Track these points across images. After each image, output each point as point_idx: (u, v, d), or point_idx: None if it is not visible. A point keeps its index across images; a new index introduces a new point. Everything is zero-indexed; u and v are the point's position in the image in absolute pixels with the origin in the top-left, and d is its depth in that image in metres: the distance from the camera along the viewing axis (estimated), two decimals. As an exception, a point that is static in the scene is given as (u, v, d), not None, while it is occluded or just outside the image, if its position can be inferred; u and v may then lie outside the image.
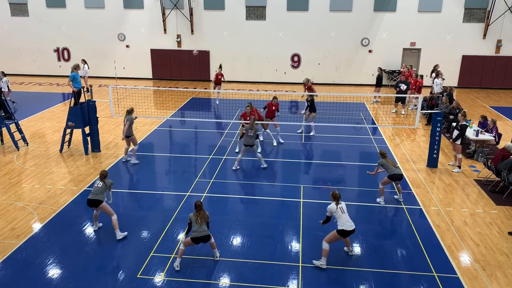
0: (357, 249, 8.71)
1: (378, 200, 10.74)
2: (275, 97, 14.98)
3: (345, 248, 8.52)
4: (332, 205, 8.01)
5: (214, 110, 20.06)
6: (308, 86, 17.65)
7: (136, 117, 13.05)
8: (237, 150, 13.80)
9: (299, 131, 16.33)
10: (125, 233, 9.02)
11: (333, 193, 8.11)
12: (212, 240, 8.07)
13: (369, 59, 25.60)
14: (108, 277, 7.71)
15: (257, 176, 12.41)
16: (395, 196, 10.94)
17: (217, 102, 20.70)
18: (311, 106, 15.59)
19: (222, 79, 20.66)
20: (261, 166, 12.73)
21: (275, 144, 14.79)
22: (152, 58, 26.98)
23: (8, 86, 19.73)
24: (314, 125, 15.91)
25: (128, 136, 12.78)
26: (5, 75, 20.04)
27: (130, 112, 12.77)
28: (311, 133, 15.88)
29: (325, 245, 8.00)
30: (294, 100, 22.43)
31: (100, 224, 9.40)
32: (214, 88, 20.86)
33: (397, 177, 10.39)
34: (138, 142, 13.60)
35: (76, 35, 26.92)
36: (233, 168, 12.61)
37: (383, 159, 10.48)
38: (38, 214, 9.93)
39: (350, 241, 8.59)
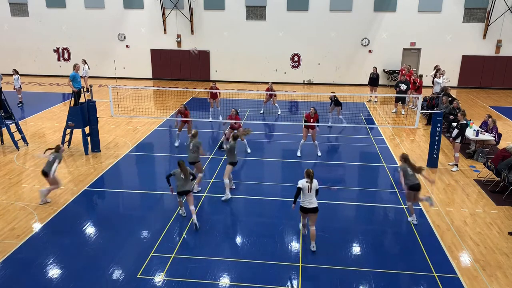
0: (357, 249, 8.71)
1: (409, 219, 9.75)
2: (313, 108, 13.71)
3: (300, 226, 9.16)
4: (303, 180, 8.36)
5: (214, 110, 20.01)
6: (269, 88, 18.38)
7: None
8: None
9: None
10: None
11: (307, 170, 8.47)
12: (191, 196, 9.32)
13: (369, 59, 25.59)
14: (108, 277, 7.71)
15: (257, 176, 12.41)
16: (409, 219, 9.79)
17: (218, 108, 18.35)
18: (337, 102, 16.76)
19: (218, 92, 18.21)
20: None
21: (249, 151, 13.94)
22: (152, 58, 26.99)
23: (19, 84, 20.01)
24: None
25: None
26: (17, 72, 20.14)
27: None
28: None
29: (301, 226, 9.06)
30: (294, 100, 22.43)
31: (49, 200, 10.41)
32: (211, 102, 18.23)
33: (415, 188, 9.27)
34: (137, 143, 13.54)
35: (76, 35, 26.92)
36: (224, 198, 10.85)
37: (405, 163, 9.28)
38: (38, 214, 9.93)
39: (352, 241, 8.57)
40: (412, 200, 9.50)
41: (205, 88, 24.80)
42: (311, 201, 8.32)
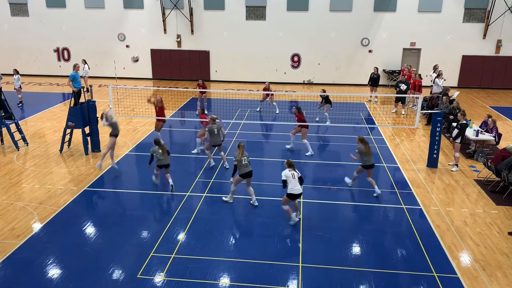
0: (357, 249, 8.71)
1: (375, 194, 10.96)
2: (297, 108, 14.07)
3: (294, 214, 9.43)
4: (286, 171, 9.13)
5: (214, 110, 20.03)
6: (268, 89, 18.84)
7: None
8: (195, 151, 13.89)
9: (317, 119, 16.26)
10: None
11: (288, 161, 9.32)
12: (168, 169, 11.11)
13: (369, 59, 25.60)
14: (108, 277, 7.70)
15: (257, 176, 12.40)
16: (374, 194, 10.96)
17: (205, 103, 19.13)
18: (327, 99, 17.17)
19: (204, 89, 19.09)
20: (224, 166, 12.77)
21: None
22: (152, 58, 26.99)
23: (19, 84, 20.03)
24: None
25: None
26: (17, 72, 20.14)
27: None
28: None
29: (285, 207, 9.41)
30: (294, 100, 22.42)
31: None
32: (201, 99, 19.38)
33: (370, 167, 10.92)
34: (137, 143, 13.52)
35: (76, 35, 26.92)
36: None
37: (361, 144, 10.82)
38: (38, 214, 9.93)
39: (352, 241, 8.56)
40: (368, 177, 11.04)
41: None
42: (298, 188, 9.13)
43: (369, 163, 10.79)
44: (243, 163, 10.01)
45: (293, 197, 9.21)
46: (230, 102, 20.27)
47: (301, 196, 9.64)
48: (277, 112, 19.16)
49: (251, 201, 10.44)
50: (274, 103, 19.31)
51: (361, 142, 10.84)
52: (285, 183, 9.11)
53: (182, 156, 13.85)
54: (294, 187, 9.09)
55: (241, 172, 10.06)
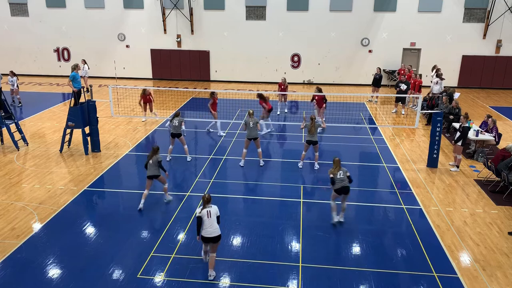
0: (357, 249, 8.71)
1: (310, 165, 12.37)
2: (318, 89, 16.46)
3: (203, 257, 8.13)
4: (200, 208, 7.59)
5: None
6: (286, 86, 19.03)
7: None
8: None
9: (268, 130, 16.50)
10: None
11: (204, 196, 7.62)
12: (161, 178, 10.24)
13: (369, 59, 25.59)
14: (108, 277, 7.71)
15: (257, 176, 12.42)
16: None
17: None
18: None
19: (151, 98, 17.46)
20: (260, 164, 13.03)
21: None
22: (152, 58, 26.98)
23: (17, 85, 20.02)
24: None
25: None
26: (14, 74, 20.10)
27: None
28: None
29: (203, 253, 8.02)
30: (294, 100, 22.42)
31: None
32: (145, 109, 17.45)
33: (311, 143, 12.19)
34: (137, 143, 13.54)
35: (76, 35, 26.91)
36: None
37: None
38: (38, 214, 9.93)
39: (352, 241, 8.57)
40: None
41: (205, 88, 24.87)
42: (213, 230, 7.46)
43: (309, 139, 12.21)
44: (338, 177, 9.22)
45: (204, 240, 7.54)
46: (230, 102, 20.27)
47: (302, 201, 9.42)
48: (278, 113, 19.06)
49: (338, 217, 9.62)
50: (286, 103, 19.59)
51: (311, 120, 12.20)
52: (199, 222, 7.47)
53: (183, 156, 13.84)
54: (208, 228, 7.43)
55: (336, 187, 9.27)
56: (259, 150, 12.92)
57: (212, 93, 15.77)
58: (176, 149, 14.74)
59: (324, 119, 16.05)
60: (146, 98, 16.98)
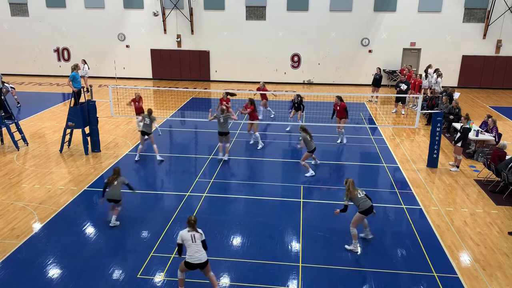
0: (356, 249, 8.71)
1: (307, 175, 12.06)
2: (339, 97, 14.94)
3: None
4: (183, 231, 6.92)
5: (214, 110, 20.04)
6: (263, 89, 17.52)
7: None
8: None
9: (287, 129, 16.50)
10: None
11: (189, 219, 6.92)
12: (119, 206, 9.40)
13: (369, 59, 25.59)
14: (108, 277, 7.71)
15: (257, 176, 12.42)
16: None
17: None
18: (300, 105, 16.04)
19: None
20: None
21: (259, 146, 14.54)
22: (152, 58, 26.98)
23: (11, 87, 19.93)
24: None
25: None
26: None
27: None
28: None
29: (179, 275, 7.16)
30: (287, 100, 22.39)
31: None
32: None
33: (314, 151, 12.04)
34: (138, 143, 13.56)
35: (76, 35, 26.91)
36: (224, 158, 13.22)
37: (304, 133, 11.71)
38: (38, 214, 9.93)
39: (352, 240, 8.56)
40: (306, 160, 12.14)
41: (205, 88, 24.88)
42: (199, 256, 6.85)
43: (313, 148, 12.02)
44: (359, 196, 8.49)
45: (190, 266, 6.91)
46: (230, 102, 20.25)
47: (302, 201, 9.30)
48: (272, 116, 18.44)
49: (364, 235, 9.11)
50: (269, 109, 18.26)
51: (303, 131, 11.86)
52: (180, 248, 6.96)
53: (183, 156, 13.85)
54: (195, 253, 6.83)
55: (361, 209, 8.44)
56: (227, 145, 13.41)
57: (251, 101, 14.47)
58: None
59: (343, 132, 15.06)
60: (135, 103, 15.27)
